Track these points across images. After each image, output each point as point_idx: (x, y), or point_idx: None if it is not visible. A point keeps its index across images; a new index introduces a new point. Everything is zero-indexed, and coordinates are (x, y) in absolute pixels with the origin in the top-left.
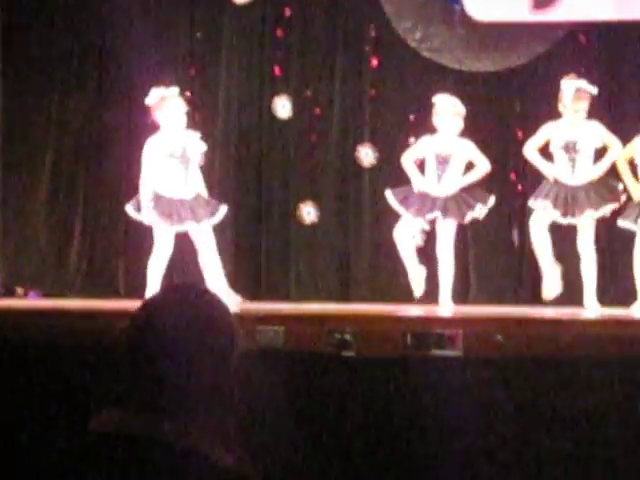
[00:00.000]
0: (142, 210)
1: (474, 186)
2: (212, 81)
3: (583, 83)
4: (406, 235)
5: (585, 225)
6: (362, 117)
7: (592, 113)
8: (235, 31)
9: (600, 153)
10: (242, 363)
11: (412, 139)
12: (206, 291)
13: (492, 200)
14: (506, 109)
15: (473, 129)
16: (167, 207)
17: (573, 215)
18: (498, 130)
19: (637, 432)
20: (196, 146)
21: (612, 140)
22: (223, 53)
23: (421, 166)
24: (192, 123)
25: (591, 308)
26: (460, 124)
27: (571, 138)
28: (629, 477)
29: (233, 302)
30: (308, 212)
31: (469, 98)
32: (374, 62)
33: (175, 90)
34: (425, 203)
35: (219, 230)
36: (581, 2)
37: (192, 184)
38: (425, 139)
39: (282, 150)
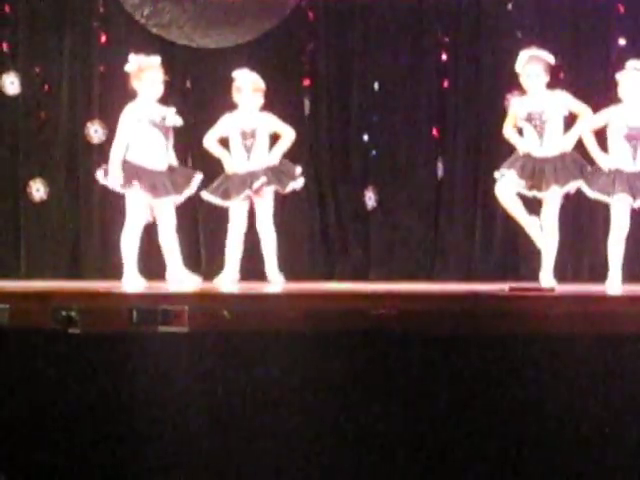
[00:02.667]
0: (109, 176)
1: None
2: None
3: (541, 52)
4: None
5: (551, 199)
6: (91, 94)
7: None
8: None
9: (569, 123)
10: None
11: None
12: None
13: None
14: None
15: None
16: (150, 179)
17: (539, 189)
18: None
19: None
20: (172, 119)
21: (580, 108)
22: None
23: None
24: None
25: (547, 283)
26: (261, 100)
27: (535, 109)
28: None
29: (192, 281)
30: (37, 189)
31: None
32: (103, 38)
33: (157, 60)
34: (244, 180)
35: None
36: None
37: (168, 155)
38: (226, 117)
39: (11, 127)
